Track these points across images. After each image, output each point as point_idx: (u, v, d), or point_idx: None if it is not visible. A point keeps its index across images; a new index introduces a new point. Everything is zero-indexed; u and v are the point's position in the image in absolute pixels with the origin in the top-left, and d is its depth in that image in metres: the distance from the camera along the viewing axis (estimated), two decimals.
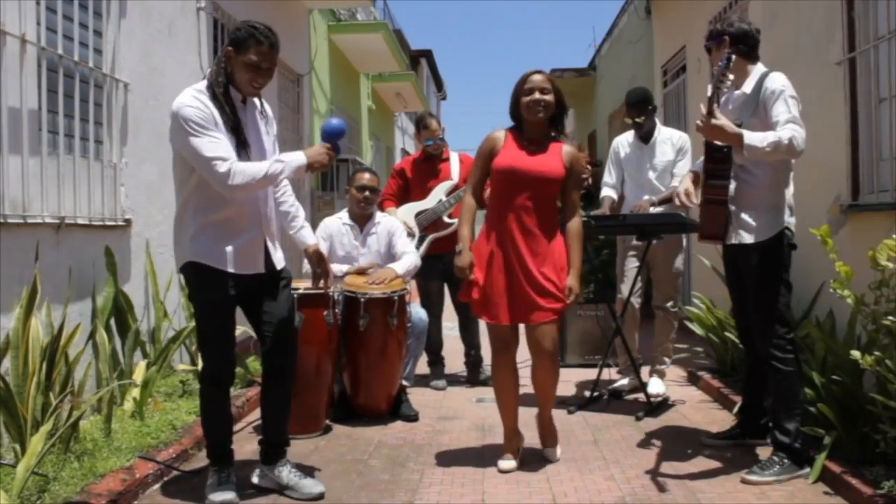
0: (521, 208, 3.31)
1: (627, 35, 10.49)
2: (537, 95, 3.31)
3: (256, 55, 2.81)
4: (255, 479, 3.11)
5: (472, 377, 5.20)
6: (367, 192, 4.47)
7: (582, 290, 3.36)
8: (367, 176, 4.52)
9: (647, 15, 9.12)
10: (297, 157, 2.91)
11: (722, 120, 3.03)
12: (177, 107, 2.78)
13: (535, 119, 3.34)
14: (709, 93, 3.06)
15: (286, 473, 3.04)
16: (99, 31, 4.16)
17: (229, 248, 2.87)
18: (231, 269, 2.87)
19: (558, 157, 3.34)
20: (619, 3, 10.98)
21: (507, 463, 3.39)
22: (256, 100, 3.01)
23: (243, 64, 2.82)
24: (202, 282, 2.89)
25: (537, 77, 3.35)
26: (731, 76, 3.06)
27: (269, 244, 3.00)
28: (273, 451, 3.09)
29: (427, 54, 23.65)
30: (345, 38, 10.20)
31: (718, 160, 3.21)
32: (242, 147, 2.85)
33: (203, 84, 2.88)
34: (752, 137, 3.01)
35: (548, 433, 3.54)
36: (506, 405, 3.46)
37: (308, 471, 3.24)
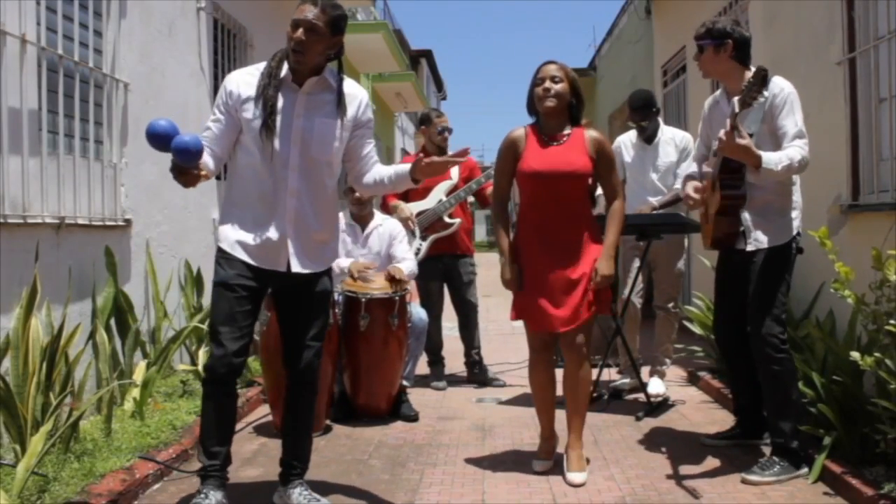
0: (553, 209, 3.23)
1: (627, 35, 10.49)
2: (547, 84, 3.24)
3: (297, 13, 2.64)
4: (275, 500, 2.96)
5: (472, 377, 5.19)
6: (355, 193, 4.47)
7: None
8: None
9: (647, 15, 9.12)
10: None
11: (746, 140, 2.96)
12: None
13: (543, 109, 3.26)
14: (736, 109, 2.97)
15: (296, 495, 2.86)
16: (99, 31, 4.16)
17: (245, 237, 2.73)
18: (244, 258, 2.73)
19: (582, 148, 3.23)
20: (619, 3, 11.00)
21: (543, 464, 3.35)
22: (338, 88, 2.76)
23: (289, 28, 2.65)
24: (218, 265, 2.78)
25: (549, 66, 3.28)
26: (766, 93, 2.98)
27: (293, 244, 2.76)
28: (287, 470, 2.92)
29: (427, 54, 23.67)
30: (345, 38, 10.20)
31: (734, 170, 3.20)
32: (267, 128, 2.66)
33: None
34: (770, 160, 2.98)
35: (571, 451, 3.29)
36: (542, 404, 3.43)
37: (322, 492, 3.01)
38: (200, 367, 4.44)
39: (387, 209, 5.12)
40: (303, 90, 2.73)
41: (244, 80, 2.73)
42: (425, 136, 5.17)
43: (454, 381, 5.20)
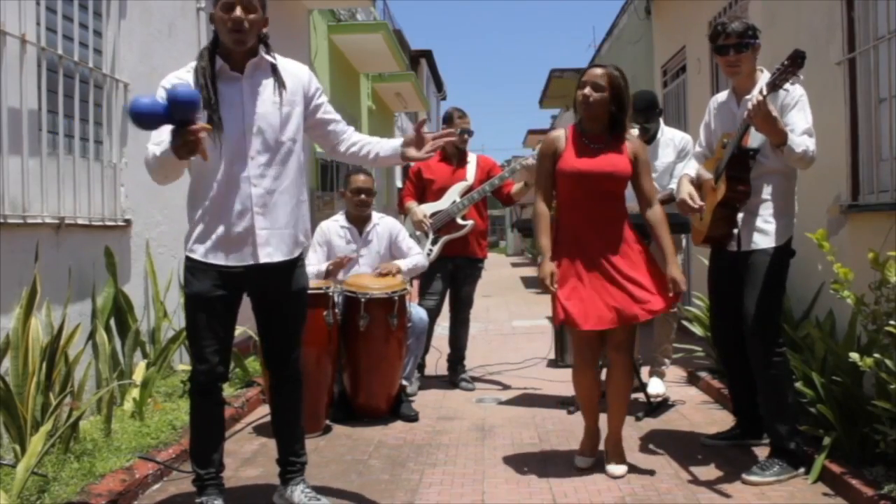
0: (595, 209, 3.23)
1: (627, 35, 10.49)
2: (587, 90, 3.21)
3: None
4: (275, 499, 2.95)
5: (451, 377, 5.17)
6: (362, 195, 4.46)
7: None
8: (361, 178, 4.48)
9: (647, 15, 9.12)
10: (165, 143, 2.45)
11: (776, 112, 3.00)
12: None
13: (581, 113, 3.27)
14: (765, 91, 2.96)
15: (298, 494, 2.86)
16: (99, 31, 4.16)
17: (213, 238, 2.64)
18: (214, 261, 2.65)
19: (623, 152, 3.24)
20: (619, 3, 11.00)
21: (585, 461, 3.37)
22: (272, 66, 2.68)
23: (219, 12, 2.55)
24: (190, 275, 2.70)
25: (595, 71, 3.24)
26: (801, 77, 2.99)
27: (261, 234, 2.66)
28: (285, 469, 2.91)
29: (427, 54, 23.66)
30: (345, 38, 10.21)
31: (742, 164, 3.20)
32: (213, 123, 2.55)
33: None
34: (792, 140, 3.03)
35: (614, 446, 3.37)
36: (587, 405, 3.42)
37: (322, 492, 2.98)
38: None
39: (403, 209, 5.13)
40: (244, 76, 2.65)
41: (188, 77, 2.62)
42: None
43: (439, 380, 5.19)
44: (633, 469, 3.35)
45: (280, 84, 2.69)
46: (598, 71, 3.23)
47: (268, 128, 2.66)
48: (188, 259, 2.72)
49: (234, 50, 2.63)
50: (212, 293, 2.67)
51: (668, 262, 3.21)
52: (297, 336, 2.88)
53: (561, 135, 3.34)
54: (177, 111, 2.31)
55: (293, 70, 2.77)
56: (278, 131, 2.68)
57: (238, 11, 2.56)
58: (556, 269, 3.23)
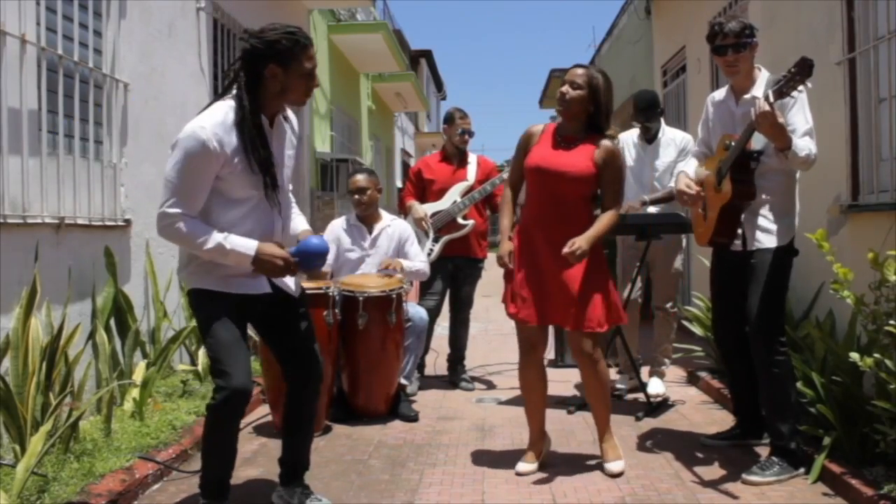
0: (549, 207, 3.26)
1: (627, 35, 10.49)
2: (564, 88, 3.24)
3: (310, 61, 2.56)
4: (274, 499, 2.90)
5: (451, 376, 5.17)
6: (356, 196, 4.49)
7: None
8: (359, 178, 4.52)
9: (646, 15, 9.13)
10: (247, 248, 2.53)
11: (783, 119, 3.01)
12: (191, 131, 2.49)
13: (559, 112, 3.29)
14: (771, 99, 2.95)
15: (298, 494, 2.84)
16: (99, 31, 4.16)
17: (226, 272, 2.61)
18: (229, 290, 2.62)
19: (588, 155, 3.21)
20: (619, 3, 11.00)
21: (526, 466, 3.32)
22: (286, 117, 2.73)
23: (298, 76, 2.55)
24: (203, 301, 2.64)
25: (576, 70, 3.26)
26: (803, 88, 2.99)
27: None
28: (287, 472, 2.88)
29: (427, 54, 23.69)
30: (345, 38, 10.21)
31: (746, 167, 3.20)
32: (272, 184, 2.57)
33: (232, 114, 2.53)
34: (796, 145, 3.04)
35: (605, 443, 3.35)
36: (531, 406, 3.42)
37: (322, 492, 2.97)
38: (200, 368, 4.46)
39: (403, 209, 5.14)
40: (277, 126, 2.67)
41: (224, 131, 2.51)
42: (446, 136, 5.17)
43: (445, 382, 5.19)
44: (633, 469, 3.35)
45: (296, 136, 2.77)
46: (579, 70, 3.26)
47: (286, 179, 2.73)
48: (201, 291, 2.65)
49: (279, 105, 2.64)
50: (231, 311, 2.62)
51: (583, 234, 3.13)
52: (313, 328, 2.87)
53: (538, 129, 3.38)
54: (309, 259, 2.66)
55: (293, 116, 2.81)
56: (289, 180, 2.76)
57: (315, 81, 2.62)
58: (511, 248, 3.31)
